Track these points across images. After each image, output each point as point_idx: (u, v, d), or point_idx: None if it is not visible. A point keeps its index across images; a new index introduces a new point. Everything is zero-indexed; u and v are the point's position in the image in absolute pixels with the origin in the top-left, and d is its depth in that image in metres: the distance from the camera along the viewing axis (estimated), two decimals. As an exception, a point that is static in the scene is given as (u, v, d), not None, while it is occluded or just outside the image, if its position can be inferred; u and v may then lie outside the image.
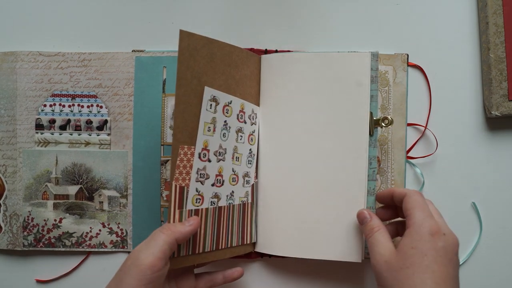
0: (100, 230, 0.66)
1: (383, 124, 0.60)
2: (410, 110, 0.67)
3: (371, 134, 0.60)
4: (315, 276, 0.67)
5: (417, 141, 0.67)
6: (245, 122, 0.62)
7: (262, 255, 0.66)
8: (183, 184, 0.54)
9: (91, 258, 0.67)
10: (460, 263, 0.66)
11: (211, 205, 0.57)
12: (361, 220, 0.57)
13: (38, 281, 0.67)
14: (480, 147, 0.67)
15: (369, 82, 0.60)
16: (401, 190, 0.57)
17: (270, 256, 0.66)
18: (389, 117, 0.60)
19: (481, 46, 0.67)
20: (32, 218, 0.66)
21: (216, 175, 0.58)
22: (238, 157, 0.61)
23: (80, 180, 0.66)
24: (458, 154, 0.67)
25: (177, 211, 0.54)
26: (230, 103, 0.59)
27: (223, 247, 0.59)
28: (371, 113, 0.60)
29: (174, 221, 0.54)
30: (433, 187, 0.67)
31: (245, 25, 0.68)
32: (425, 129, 0.67)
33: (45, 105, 0.66)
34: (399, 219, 0.61)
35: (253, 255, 0.66)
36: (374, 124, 0.60)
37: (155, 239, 0.50)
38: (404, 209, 0.54)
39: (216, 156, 0.58)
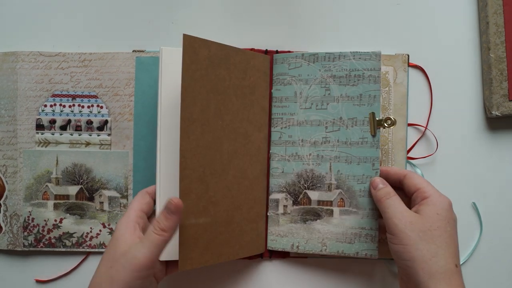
0: (100, 231, 0.67)
1: (385, 124, 0.61)
2: (410, 110, 0.68)
3: (373, 134, 0.61)
4: (322, 276, 0.68)
5: (417, 141, 0.68)
6: None
7: (270, 256, 0.67)
8: None
9: (90, 258, 0.68)
10: (460, 263, 0.67)
11: None
12: (375, 186, 0.59)
13: (38, 281, 0.68)
14: (480, 147, 0.67)
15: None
16: (397, 170, 0.62)
17: (284, 257, 0.67)
18: (392, 117, 0.60)
19: (481, 46, 0.67)
20: (33, 218, 0.66)
21: None
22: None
23: (81, 181, 0.67)
24: (458, 154, 0.68)
25: None
26: None
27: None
28: (373, 114, 0.61)
29: None
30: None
31: (245, 25, 0.69)
32: (425, 129, 0.68)
33: (45, 105, 0.67)
34: None
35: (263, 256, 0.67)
36: (377, 124, 0.61)
37: (150, 239, 0.52)
38: (411, 185, 0.58)
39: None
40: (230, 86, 0.60)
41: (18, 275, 0.68)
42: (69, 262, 0.68)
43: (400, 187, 0.60)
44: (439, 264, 0.51)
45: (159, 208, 0.58)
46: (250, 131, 0.63)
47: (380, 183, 0.59)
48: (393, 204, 0.56)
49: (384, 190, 0.58)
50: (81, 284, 0.68)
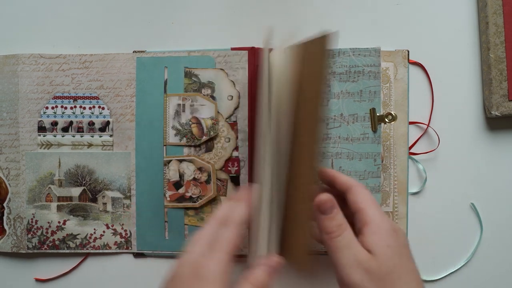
0: (104, 232, 0.68)
1: (386, 120, 0.63)
2: (411, 107, 0.68)
3: (374, 130, 0.63)
4: (323, 275, 0.69)
5: (419, 138, 0.69)
6: None
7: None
8: None
9: (90, 257, 0.69)
10: (462, 264, 0.68)
11: None
12: (324, 210, 0.48)
13: (38, 280, 0.69)
14: (480, 147, 0.68)
15: None
16: (344, 178, 0.52)
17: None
18: (392, 112, 0.62)
19: (481, 46, 0.68)
20: (36, 221, 0.68)
21: None
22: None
23: (83, 182, 0.68)
24: (458, 154, 0.69)
25: None
26: None
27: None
28: (374, 109, 0.63)
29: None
30: (434, 186, 0.69)
31: (246, 24, 0.70)
32: (427, 127, 0.69)
33: (47, 108, 0.68)
34: None
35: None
36: (378, 120, 0.63)
37: None
38: (352, 203, 0.49)
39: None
40: None
41: (19, 274, 0.70)
42: (71, 263, 0.70)
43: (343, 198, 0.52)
44: None
45: (264, 237, 0.49)
46: None
47: (331, 206, 0.48)
48: (346, 245, 0.46)
49: (335, 221, 0.47)
50: (80, 284, 0.69)
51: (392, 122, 0.63)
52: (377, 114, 0.63)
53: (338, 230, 0.47)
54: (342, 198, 0.51)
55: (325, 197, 0.48)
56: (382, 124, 0.64)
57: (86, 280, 0.69)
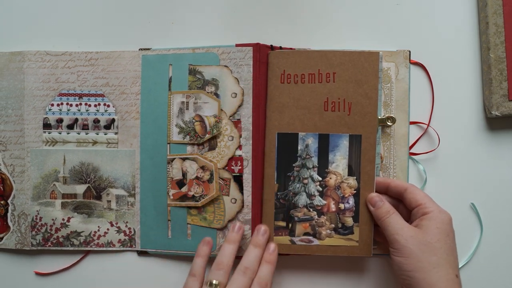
0: (108, 229, 0.70)
1: (388, 122, 0.67)
2: (412, 107, 0.70)
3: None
4: (321, 273, 0.71)
5: (419, 138, 0.70)
6: None
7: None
8: None
9: (94, 255, 0.71)
10: (462, 264, 0.70)
11: None
12: (374, 204, 0.65)
13: (37, 274, 0.71)
14: (480, 147, 0.70)
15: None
16: (398, 182, 0.66)
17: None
18: (393, 116, 0.66)
19: (481, 46, 0.70)
20: (40, 218, 0.70)
21: None
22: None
23: (88, 179, 0.70)
24: (458, 154, 0.70)
25: None
26: None
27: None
28: None
29: None
30: (434, 186, 0.70)
31: (248, 23, 0.72)
32: (427, 127, 0.70)
33: (52, 105, 0.70)
34: None
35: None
36: (379, 122, 0.66)
37: None
38: (412, 200, 0.63)
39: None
40: None
41: (22, 270, 0.72)
42: (74, 260, 0.71)
43: (400, 199, 0.66)
44: (440, 275, 0.57)
45: None
46: None
47: (378, 200, 0.65)
48: (393, 222, 0.62)
49: (384, 208, 0.64)
50: (84, 281, 0.71)
51: (392, 125, 0.68)
52: (378, 117, 0.66)
53: (386, 214, 0.63)
54: (396, 200, 0.67)
55: (373, 194, 0.66)
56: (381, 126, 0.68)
57: (89, 277, 0.71)
